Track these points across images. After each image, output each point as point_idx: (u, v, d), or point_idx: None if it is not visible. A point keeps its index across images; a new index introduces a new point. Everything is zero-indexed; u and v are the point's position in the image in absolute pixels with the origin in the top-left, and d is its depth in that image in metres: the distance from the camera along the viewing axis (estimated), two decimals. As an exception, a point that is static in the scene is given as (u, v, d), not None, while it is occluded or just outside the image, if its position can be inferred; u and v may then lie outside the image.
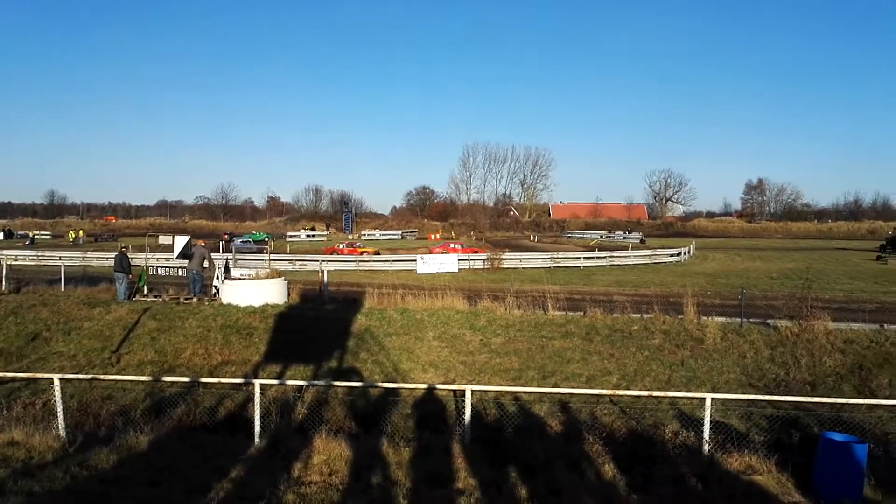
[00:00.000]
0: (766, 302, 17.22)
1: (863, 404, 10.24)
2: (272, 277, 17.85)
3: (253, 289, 17.09)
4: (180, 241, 19.29)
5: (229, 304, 16.68)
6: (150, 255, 23.49)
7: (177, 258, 19.75)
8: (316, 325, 15.51)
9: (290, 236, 72.50)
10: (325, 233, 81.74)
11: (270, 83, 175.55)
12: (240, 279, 17.76)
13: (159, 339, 14.84)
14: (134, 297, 18.08)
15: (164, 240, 29.88)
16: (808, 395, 11.28)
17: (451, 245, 42.46)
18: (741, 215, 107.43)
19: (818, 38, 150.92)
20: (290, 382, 11.54)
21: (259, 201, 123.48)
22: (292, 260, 35.31)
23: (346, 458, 8.18)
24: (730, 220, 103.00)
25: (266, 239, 54.87)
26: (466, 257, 35.99)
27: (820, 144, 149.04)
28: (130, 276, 18.44)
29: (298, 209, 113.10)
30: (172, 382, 11.75)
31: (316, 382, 11.63)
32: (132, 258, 19.37)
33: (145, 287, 18.80)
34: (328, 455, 8.24)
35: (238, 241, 50.75)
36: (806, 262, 37.48)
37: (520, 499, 6.96)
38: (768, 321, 14.74)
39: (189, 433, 9.75)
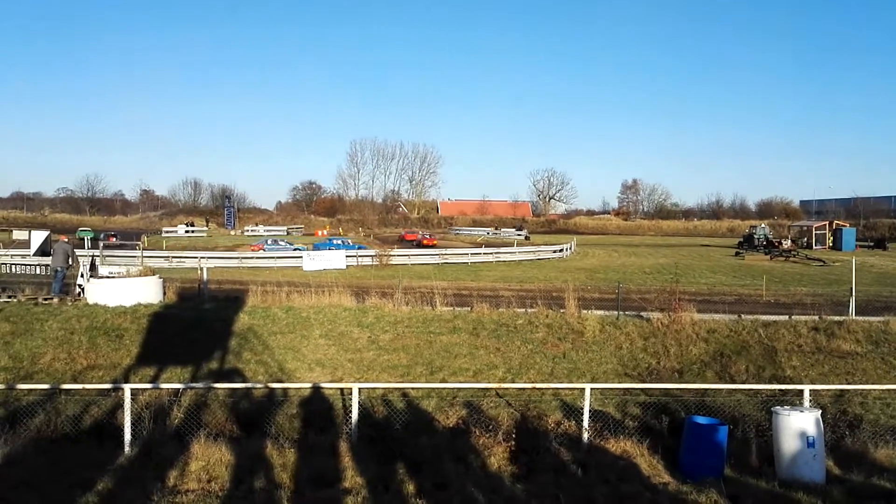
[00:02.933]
0: (640, 295, 18.30)
1: (723, 389, 11.15)
2: (145, 275, 16.74)
3: (123, 287, 15.93)
4: (38, 237, 17.67)
5: (96, 305, 15.44)
6: (1, 251, 21.34)
7: (34, 255, 18.02)
8: (195, 325, 14.72)
9: (167, 232, 68.51)
10: (204, 228, 77.89)
11: (141, 68, 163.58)
12: (108, 277, 16.52)
13: (14, 344, 13.47)
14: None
15: (18, 235, 27.29)
16: (676, 382, 12.13)
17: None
18: (618, 213, 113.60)
19: (686, 45, 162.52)
20: (164, 386, 10.82)
21: (131, 194, 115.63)
22: (169, 257, 33.38)
23: (226, 463, 7.82)
24: (608, 217, 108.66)
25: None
26: (355, 254, 35.62)
27: (687, 148, 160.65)
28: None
29: (176, 203, 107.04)
30: (30, 390, 10.72)
31: (194, 385, 11.03)
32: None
33: (-4, 286, 17.04)
34: (207, 461, 7.84)
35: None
36: (675, 258, 40.30)
37: (407, 495, 6.95)
38: (642, 314, 15.66)
39: (49, 445, 8.96)
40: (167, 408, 10.47)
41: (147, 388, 10.70)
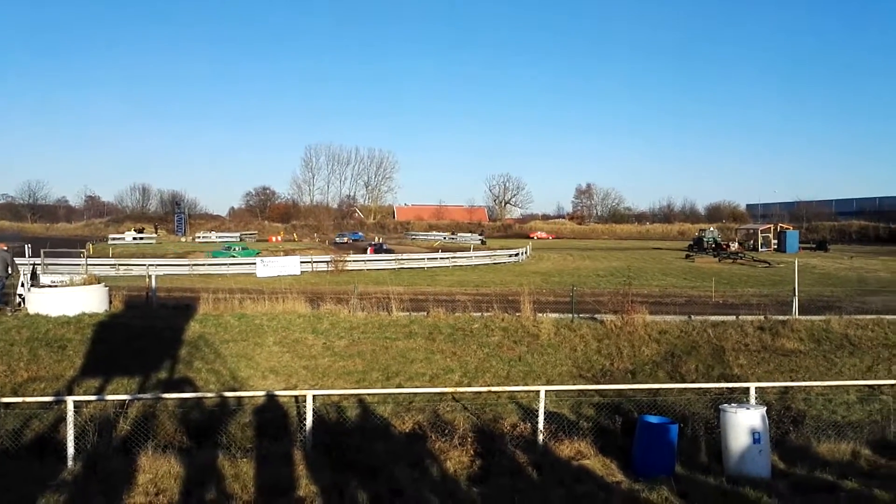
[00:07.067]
0: (594, 298, 18.59)
1: (674, 388, 11.39)
2: (90, 284, 16.19)
3: (66, 297, 15.37)
4: (-27, 245, 16.87)
5: (37, 315, 14.84)
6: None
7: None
8: (143, 334, 14.30)
9: (114, 239, 66.43)
10: (154, 235, 75.83)
11: (85, 70, 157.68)
12: (51, 286, 15.93)
13: (-53, 357, 12.87)
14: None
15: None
16: (629, 383, 12.37)
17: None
18: (572, 217, 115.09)
19: (636, 52, 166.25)
20: (110, 397, 10.47)
21: (75, 201, 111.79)
22: (116, 265, 32.38)
23: (175, 476, 7.59)
24: (563, 221, 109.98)
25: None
26: (309, 259, 35.20)
27: (639, 153, 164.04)
28: None
29: (123, 210, 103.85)
30: (-36, 405, 10.23)
31: (141, 396, 10.71)
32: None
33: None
34: (155, 473, 7.60)
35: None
36: (628, 261, 41.06)
37: (362, 501, 6.87)
38: (596, 316, 15.90)
39: (-15, 461, 8.54)
40: (113, 420, 10.11)
41: (91, 401, 10.33)
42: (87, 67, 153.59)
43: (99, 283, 16.68)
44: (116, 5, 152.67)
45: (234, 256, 35.70)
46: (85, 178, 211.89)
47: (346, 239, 71.63)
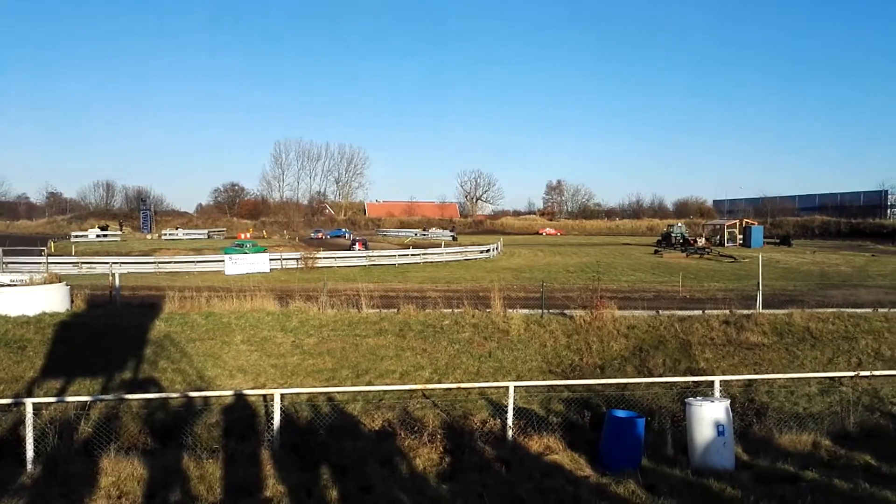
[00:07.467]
0: (564, 294, 18.73)
1: (641, 383, 11.53)
2: (50, 282, 15.80)
3: (26, 296, 14.98)
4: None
5: (-5, 314, 14.45)
6: None
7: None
8: (106, 333, 14.01)
9: (77, 236, 64.86)
10: (118, 232, 74.27)
11: (47, 64, 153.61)
12: (9, 285, 15.50)
13: None
14: None
15: None
16: (598, 378, 12.48)
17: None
18: (543, 213, 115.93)
19: (605, 49, 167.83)
20: (71, 399, 10.19)
21: (36, 197, 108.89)
22: (78, 263, 31.62)
23: (139, 478, 7.44)
24: (533, 217, 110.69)
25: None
26: (279, 256, 34.82)
27: (609, 149, 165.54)
28: None
29: (86, 206, 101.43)
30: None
31: (103, 397, 10.46)
32: None
33: None
34: (118, 476, 7.44)
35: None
36: (597, 257, 41.50)
37: (331, 500, 6.82)
38: (566, 311, 16.01)
39: (-60, 467, 8.27)
40: (74, 422, 9.85)
41: (51, 402, 10.08)
42: (48, 60, 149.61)
43: (60, 281, 16.30)
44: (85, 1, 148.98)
45: (245, 254, 35.90)
46: (47, 175, 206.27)
47: (320, 234, 71.27)
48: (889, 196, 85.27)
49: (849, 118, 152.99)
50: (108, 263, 30.01)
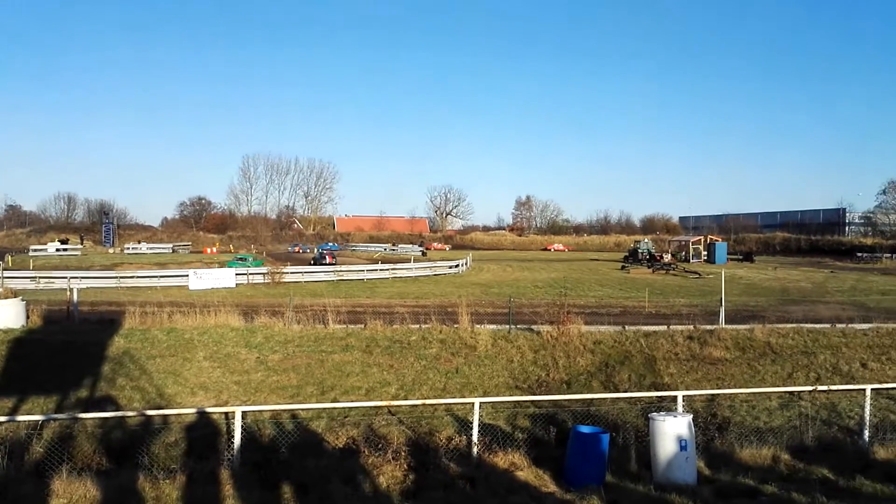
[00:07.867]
0: (531, 309, 18.80)
1: (607, 398, 11.59)
2: (5, 297, 15.33)
3: (-22, 311, 14.51)
4: None
5: (-54, 331, 13.95)
6: None
7: None
8: (63, 350, 13.60)
9: (35, 250, 63.13)
10: (79, 246, 72.53)
11: (6, 74, 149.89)
12: (-39, 301, 14.98)
13: None
14: None
15: None
16: (565, 393, 12.51)
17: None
18: (513, 229, 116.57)
19: (572, 65, 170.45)
20: (22, 418, 9.85)
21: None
22: (36, 277, 30.74)
23: (92, 499, 7.19)
24: (503, 233, 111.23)
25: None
26: (245, 271, 34.35)
27: (577, 165, 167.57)
28: None
29: (46, 220, 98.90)
30: None
31: (56, 416, 10.13)
32: None
33: None
34: (69, 498, 7.17)
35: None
36: (565, 272, 41.84)
37: (290, 521, 6.67)
38: (533, 327, 16.07)
39: None
40: (25, 442, 9.52)
41: (2, 422, 9.69)
42: (4, 70, 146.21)
43: (16, 296, 15.86)
44: (46, 7, 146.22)
45: (247, 267, 36.61)
46: (5, 187, 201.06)
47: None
48: (847, 214, 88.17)
49: (809, 139, 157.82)
50: (66, 278, 29.20)
